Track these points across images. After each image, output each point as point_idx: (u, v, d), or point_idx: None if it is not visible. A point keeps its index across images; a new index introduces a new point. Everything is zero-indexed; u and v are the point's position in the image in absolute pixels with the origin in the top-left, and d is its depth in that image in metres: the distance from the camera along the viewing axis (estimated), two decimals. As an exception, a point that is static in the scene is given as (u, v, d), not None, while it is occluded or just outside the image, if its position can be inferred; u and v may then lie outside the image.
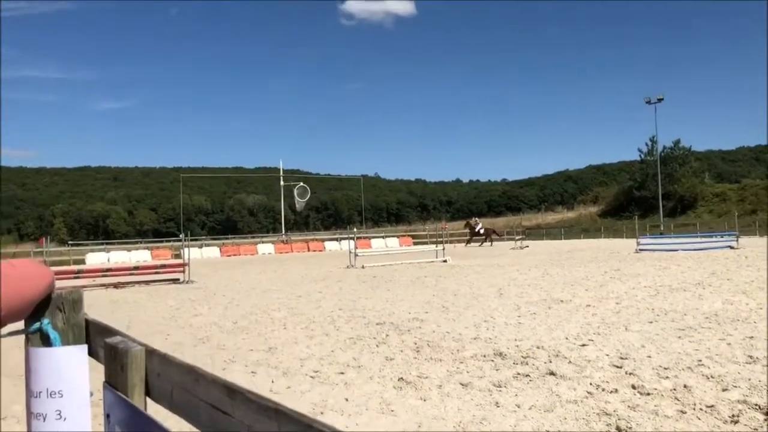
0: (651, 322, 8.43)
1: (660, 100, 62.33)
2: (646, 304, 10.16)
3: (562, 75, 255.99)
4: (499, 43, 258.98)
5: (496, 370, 6.11)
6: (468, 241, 39.97)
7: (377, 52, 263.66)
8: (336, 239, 56.49)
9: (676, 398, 4.88)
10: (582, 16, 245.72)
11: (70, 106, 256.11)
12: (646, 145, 76.39)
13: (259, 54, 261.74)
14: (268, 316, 10.85)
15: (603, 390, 5.20)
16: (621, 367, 5.93)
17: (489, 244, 40.53)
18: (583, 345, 7.11)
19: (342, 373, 6.29)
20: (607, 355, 6.53)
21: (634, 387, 5.23)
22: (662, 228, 51.78)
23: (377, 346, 7.65)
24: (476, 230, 38.66)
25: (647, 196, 71.74)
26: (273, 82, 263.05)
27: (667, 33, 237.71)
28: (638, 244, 27.86)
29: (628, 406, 4.72)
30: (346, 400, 5.31)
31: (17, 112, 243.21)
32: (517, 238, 39.82)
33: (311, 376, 6.20)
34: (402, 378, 5.93)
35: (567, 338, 7.57)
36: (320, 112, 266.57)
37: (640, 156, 78.38)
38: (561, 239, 55.38)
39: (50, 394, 1.40)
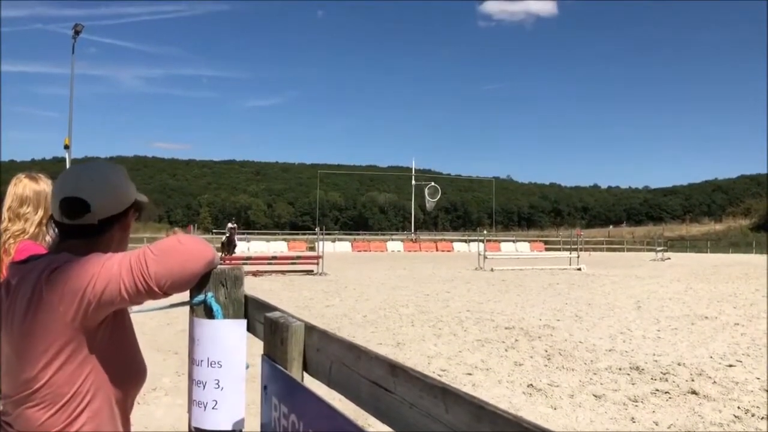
0: (810, 348, 7.71)
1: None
2: (804, 328, 9.31)
3: (714, 77, 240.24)
4: (643, 44, 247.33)
5: (633, 384, 5.84)
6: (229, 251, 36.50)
7: (515, 53, 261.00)
8: (465, 241, 56.23)
9: (839, 432, 4.44)
10: (731, 14, 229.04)
11: (221, 103, 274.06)
12: (809, 154, 70.06)
13: (395, 55, 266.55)
14: (396, 312, 11.00)
15: (753, 415, 4.82)
16: (774, 393, 5.48)
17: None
18: (730, 365, 6.63)
19: (470, 374, 6.27)
20: (758, 378, 6.05)
21: (789, 416, 4.81)
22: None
23: (506, 350, 7.54)
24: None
25: (808, 211, 65.78)
26: (408, 83, 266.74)
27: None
28: (796, 262, 25.55)
29: (782, 436, 4.35)
30: (474, 401, 5.27)
31: (173, 107, 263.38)
32: (658, 249, 37.76)
33: (438, 375, 6.21)
34: (531, 384, 5.81)
35: (711, 357, 7.10)
36: (454, 112, 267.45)
37: (801, 166, 72.02)
38: (706, 252, 51.89)
39: (210, 364, 1.51)
